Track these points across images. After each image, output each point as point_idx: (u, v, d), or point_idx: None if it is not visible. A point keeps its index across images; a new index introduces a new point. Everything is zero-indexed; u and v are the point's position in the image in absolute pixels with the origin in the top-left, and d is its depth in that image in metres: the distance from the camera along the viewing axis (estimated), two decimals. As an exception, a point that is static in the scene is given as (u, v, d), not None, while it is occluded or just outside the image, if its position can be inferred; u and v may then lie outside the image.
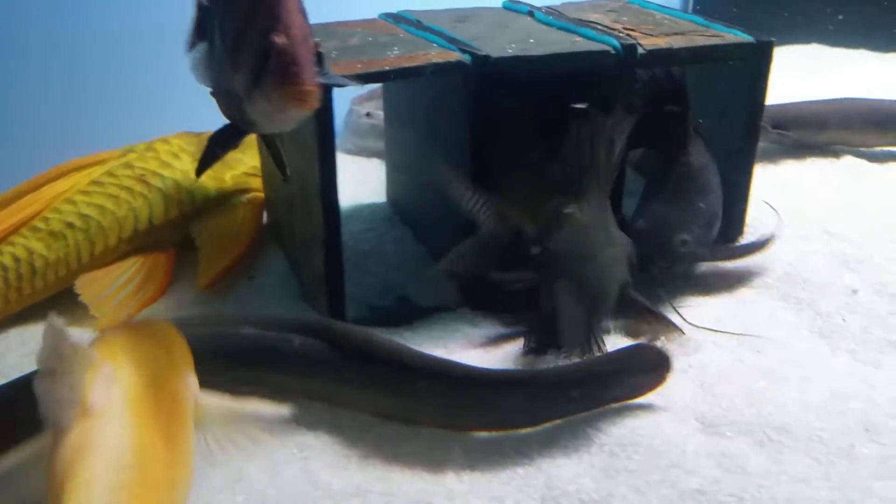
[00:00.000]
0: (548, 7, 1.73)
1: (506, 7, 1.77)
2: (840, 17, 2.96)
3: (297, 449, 1.07)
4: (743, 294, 1.40)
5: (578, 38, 1.45)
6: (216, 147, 1.24)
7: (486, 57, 1.31)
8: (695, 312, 1.33)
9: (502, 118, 1.33)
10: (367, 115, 2.05)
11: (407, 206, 1.73)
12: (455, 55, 1.33)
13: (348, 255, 1.57)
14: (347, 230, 1.67)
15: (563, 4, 1.77)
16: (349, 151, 2.12)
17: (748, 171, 1.55)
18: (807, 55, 2.84)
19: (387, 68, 1.29)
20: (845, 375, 1.17)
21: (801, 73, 2.53)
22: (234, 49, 1.13)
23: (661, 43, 1.43)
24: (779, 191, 1.75)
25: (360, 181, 1.93)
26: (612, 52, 1.37)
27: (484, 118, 1.33)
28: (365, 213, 1.76)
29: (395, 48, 1.39)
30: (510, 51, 1.35)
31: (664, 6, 1.71)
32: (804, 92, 2.13)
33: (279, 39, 0.99)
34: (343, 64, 1.30)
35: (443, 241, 1.52)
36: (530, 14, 1.66)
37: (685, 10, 3.36)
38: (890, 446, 1.02)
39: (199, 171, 1.27)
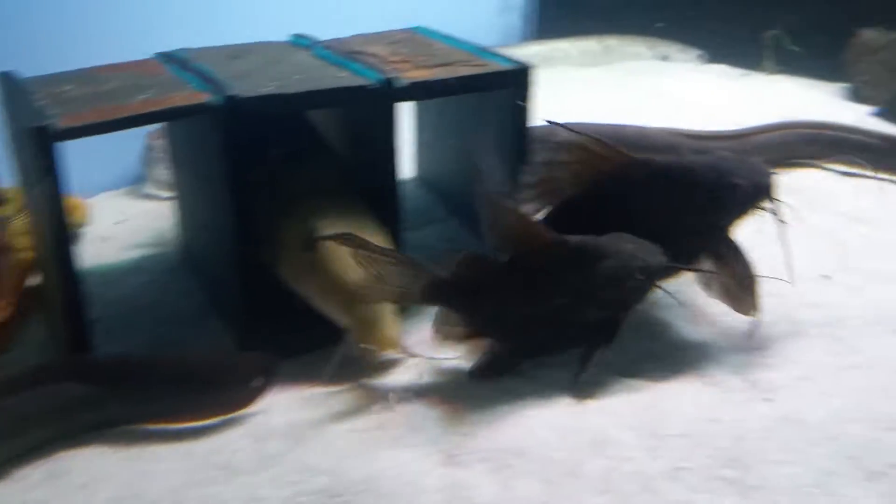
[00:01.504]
0: (332, 40, 1.72)
1: (292, 41, 1.76)
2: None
3: None
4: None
5: (345, 73, 1.45)
6: None
7: (234, 97, 1.29)
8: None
9: (254, 156, 1.31)
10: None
11: (193, 254, 1.67)
12: (204, 96, 1.30)
13: (121, 310, 1.50)
14: (128, 283, 1.61)
15: (352, 37, 1.77)
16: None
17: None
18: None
19: (125, 115, 1.25)
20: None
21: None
22: None
23: (425, 75, 1.45)
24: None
25: (156, 228, 1.86)
26: (368, 86, 1.38)
27: (237, 157, 1.31)
28: (153, 262, 1.69)
29: (150, 91, 1.35)
30: (264, 90, 1.33)
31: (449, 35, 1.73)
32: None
33: None
34: (74, 115, 1.24)
35: (221, 290, 1.47)
36: (310, 48, 1.66)
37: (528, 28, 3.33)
38: (615, 459, 1.04)
39: None
